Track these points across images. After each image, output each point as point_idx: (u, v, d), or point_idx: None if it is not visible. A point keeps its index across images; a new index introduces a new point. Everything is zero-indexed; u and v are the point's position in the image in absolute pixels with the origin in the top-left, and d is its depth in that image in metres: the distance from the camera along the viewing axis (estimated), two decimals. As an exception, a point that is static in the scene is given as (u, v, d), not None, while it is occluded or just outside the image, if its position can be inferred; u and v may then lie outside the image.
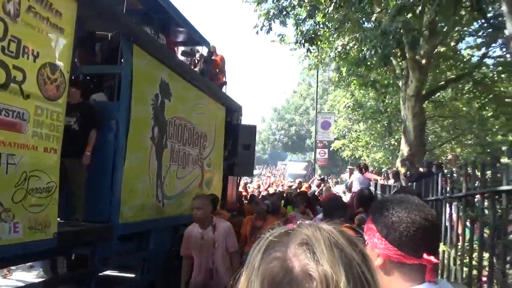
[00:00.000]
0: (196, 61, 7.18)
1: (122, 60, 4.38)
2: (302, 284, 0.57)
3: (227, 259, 3.68)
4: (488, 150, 11.48)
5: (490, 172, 1.91)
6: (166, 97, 5.04)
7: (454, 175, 2.67)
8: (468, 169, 2.20)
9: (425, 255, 1.05)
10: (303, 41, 7.93)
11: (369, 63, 6.35)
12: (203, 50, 7.50)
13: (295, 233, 0.64)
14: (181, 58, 6.81)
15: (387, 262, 1.09)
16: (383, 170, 17.03)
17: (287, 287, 0.58)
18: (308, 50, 8.52)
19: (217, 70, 7.92)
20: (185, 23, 6.34)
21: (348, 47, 9.35)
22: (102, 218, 4.08)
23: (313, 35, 7.93)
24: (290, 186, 14.62)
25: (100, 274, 4.22)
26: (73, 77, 3.97)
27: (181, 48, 7.41)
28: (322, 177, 17.11)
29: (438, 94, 12.56)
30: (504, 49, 9.00)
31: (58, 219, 3.30)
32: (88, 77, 5.16)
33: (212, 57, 7.62)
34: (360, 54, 6.56)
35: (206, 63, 7.10)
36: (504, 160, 1.59)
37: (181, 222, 5.59)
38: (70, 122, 3.86)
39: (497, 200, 1.82)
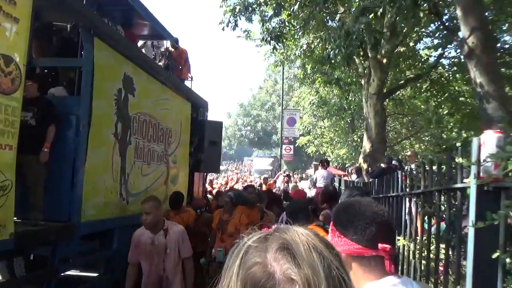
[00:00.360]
0: (161, 55, 7.03)
1: (83, 53, 4.21)
2: None
3: (179, 266, 3.46)
4: (444, 146, 12.09)
5: (445, 170, 2.03)
6: (129, 92, 4.90)
7: (414, 172, 2.80)
8: (426, 167, 2.31)
9: (380, 245, 1.13)
10: (269, 38, 7.96)
11: (333, 61, 6.48)
12: (167, 44, 7.35)
13: (273, 237, 0.64)
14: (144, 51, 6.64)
15: (348, 259, 1.15)
16: (346, 166, 17.52)
17: None
18: (274, 48, 8.57)
19: (181, 65, 7.79)
20: (147, 15, 6.18)
21: (313, 46, 9.50)
22: (62, 217, 3.93)
23: (279, 33, 7.97)
24: (252, 182, 14.47)
25: (61, 274, 4.07)
26: (30, 70, 3.78)
27: (142, 42, 7.23)
28: (287, 173, 17.32)
29: (398, 92, 13.04)
30: (459, 51, 9.48)
31: (15, 218, 3.15)
32: (46, 70, 4.92)
33: (177, 48, 7.45)
34: (324, 53, 6.69)
35: (170, 57, 6.96)
36: (459, 160, 1.69)
37: (145, 220, 5.49)
38: (27, 117, 3.68)
39: (452, 197, 1.94)
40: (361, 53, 9.20)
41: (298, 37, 10.25)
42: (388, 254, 1.14)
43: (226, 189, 11.68)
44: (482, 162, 1.43)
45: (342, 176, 12.40)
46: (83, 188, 4.01)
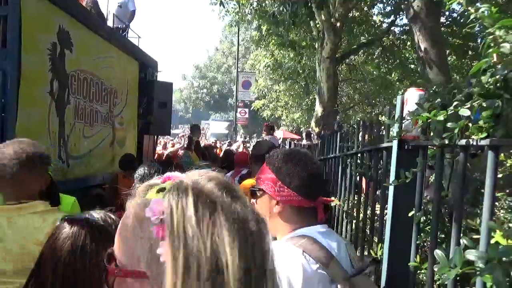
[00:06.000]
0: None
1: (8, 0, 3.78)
2: None
3: None
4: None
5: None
6: (66, 47, 4.52)
7: (349, 133, 2.85)
8: (360, 128, 2.34)
9: (320, 198, 1.23)
10: (215, -7, 7.54)
11: (280, 19, 6.29)
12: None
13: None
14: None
15: (287, 208, 1.20)
16: (301, 130, 17.83)
17: None
18: (221, 3, 8.19)
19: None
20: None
21: (264, 4, 9.22)
22: (-8, 182, 3.65)
23: (226, -12, 7.56)
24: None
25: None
26: None
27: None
28: (243, 139, 17.22)
29: (351, 57, 13.21)
30: (410, 17, 9.63)
31: None
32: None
33: None
34: (271, 11, 6.46)
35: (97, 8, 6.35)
36: (382, 118, 1.70)
37: (90, 183, 5.28)
38: None
39: (380, 157, 1.98)
40: (306, 10, 9.03)
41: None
42: (322, 205, 1.23)
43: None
44: (403, 120, 1.45)
45: (295, 140, 12.61)
46: (15, 151, 3.73)
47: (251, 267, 0.55)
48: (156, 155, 9.14)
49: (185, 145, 8.20)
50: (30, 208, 1.59)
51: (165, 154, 9.27)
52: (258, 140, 5.41)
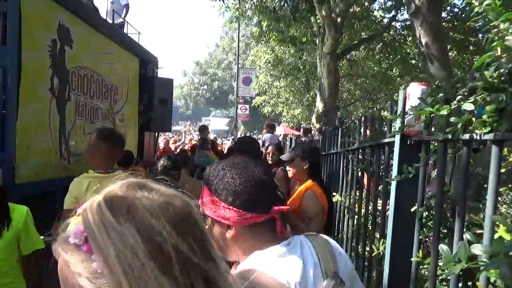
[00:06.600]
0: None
1: (7, -3, 3.77)
2: None
3: None
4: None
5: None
6: (66, 43, 4.51)
7: (350, 129, 2.84)
8: (361, 124, 2.33)
9: (274, 208, 1.05)
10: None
11: (287, 18, 6.27)
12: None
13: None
14: None
15: (240, 230, 1.03)
16: (302, 126, 17.83)
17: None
18: (222, -1, 8.17)
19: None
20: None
21: (264, 0, 9.18)
22: (-7, 179, 3.65)
23: (224, -16, 7.54)
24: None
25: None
26: None
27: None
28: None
29: (352, 53, 13.16)
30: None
31: None
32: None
33: None
34: (271, 6, 6.45)
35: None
36: (384, 114, 1.69)
37: (92, 180, 5.30)
38: None
39: (382, 152, 1.97)
40: (307, 6, 9.01)
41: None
42: (279, 216, 1.07)
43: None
44: (405, 115, 1.44)
45: (296, 136, 12.63)
46: (16, 148, 3.73)
47: (189, 240, 0.58)
48: (161, 150, 9.16)
49: (186, 142, 8.49)
50: (115, 176, 2.00)
51: (178, 149, 9.43)
52: (240, 136, 5.40)
